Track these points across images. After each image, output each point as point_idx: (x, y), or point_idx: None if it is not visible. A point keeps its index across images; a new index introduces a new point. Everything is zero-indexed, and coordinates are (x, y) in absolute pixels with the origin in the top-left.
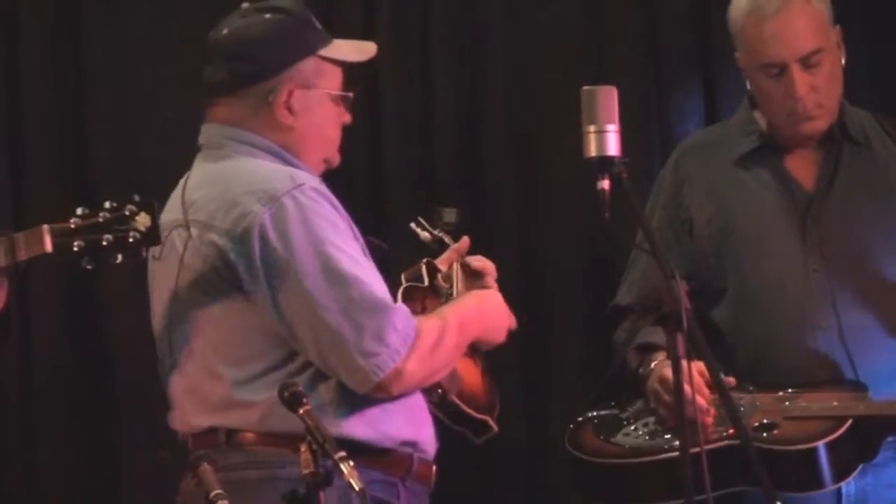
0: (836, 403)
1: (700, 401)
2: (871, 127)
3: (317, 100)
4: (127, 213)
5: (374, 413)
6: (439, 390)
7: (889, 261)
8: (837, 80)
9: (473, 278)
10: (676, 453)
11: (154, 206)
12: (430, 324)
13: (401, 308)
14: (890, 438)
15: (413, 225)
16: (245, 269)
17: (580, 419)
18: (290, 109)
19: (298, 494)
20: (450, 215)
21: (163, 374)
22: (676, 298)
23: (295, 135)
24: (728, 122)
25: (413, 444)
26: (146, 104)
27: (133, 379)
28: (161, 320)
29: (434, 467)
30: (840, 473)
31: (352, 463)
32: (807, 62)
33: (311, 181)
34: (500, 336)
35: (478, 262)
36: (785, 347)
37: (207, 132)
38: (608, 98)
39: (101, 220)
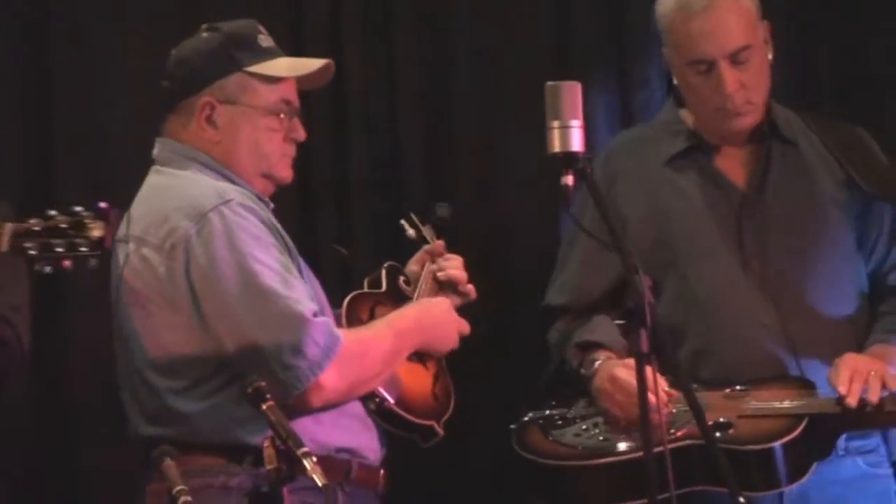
0: (788, 402)
1: (653, 400)
2: (797, 125)
3: (243, 115)
4: (85, 220)
5: (304, 422)
6: (376, 398)
7: (824, 256)
8: (766, 77)
9: (443, 286)
10: (635, 454)
11: (108, 215)
12: (356, 336)
13: (320, 322)
14: (854, 441)
15: (403, 221)
16: (172, 283)
17: (523, 419)
18: (212, 124)
19: (261, 491)
20: (442, 210)
21: (118, 383)
22: (640, 294)
23: (222, 148)
24: (653, 121)
25: (350, 451)
26: (112, 105)
27: (97, 388)
28: (114, 330)
29: (382, 472)
30: (796, 472)
31: (315, 459)
32: (735, 58)
33: (239, 197)
34: (447, 343)
35: (444, 273)
36: (729, 345)
37: (158, 146)
38: (572, 94)
39: (61, 224)
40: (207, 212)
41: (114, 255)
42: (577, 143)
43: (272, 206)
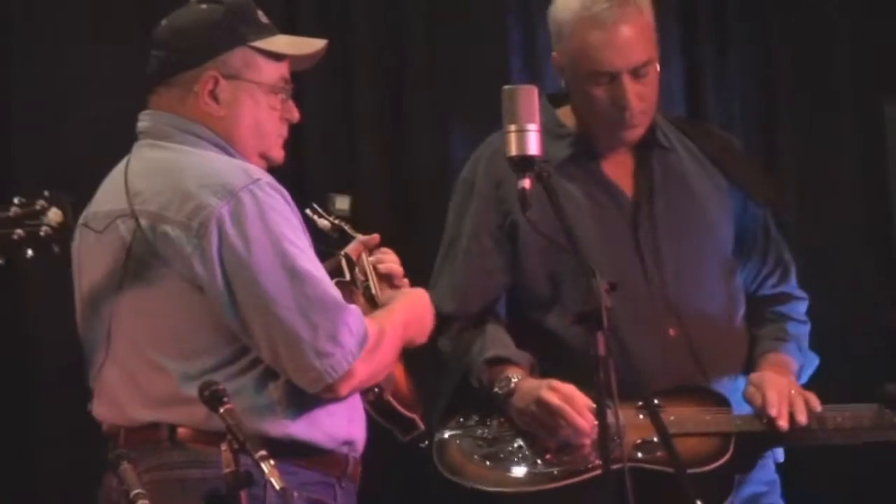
0: (709, 418)
1: (583, 424)
2: (671, 132)
3: (246, 91)
4: (38, 208)
5: (319, 414)
6: (376, 389)
7: (713, 262)
8: (657, 88)
9: (382, 279)
10: (573, 478)
11: (66, 202)
12: (372, 325)
13: (354, 309)
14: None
15: (308, 212)
16: (200, 262)
17: (439, 438)
18: (215, 98)
19: (219, 494)
20: (342, 202)
21: (94, 361)
22: (597, 297)
23: (224, 124)
24: None
25: (350, 443)
26: (74, 103)
27: (54, 374)
28: (98, 309)
29: (359, 465)
30: (725, 490)
31: (272, 462)
32: (637, 72)
33: (266, 176)
34: (424, 337)
35: (384, 265)
36: (635, 358)
37: (146, 119)
38: (529, 97)
39: (11, 214)
40: (238, 191)
41: (108, 229)
42: (533, 146)
43: None
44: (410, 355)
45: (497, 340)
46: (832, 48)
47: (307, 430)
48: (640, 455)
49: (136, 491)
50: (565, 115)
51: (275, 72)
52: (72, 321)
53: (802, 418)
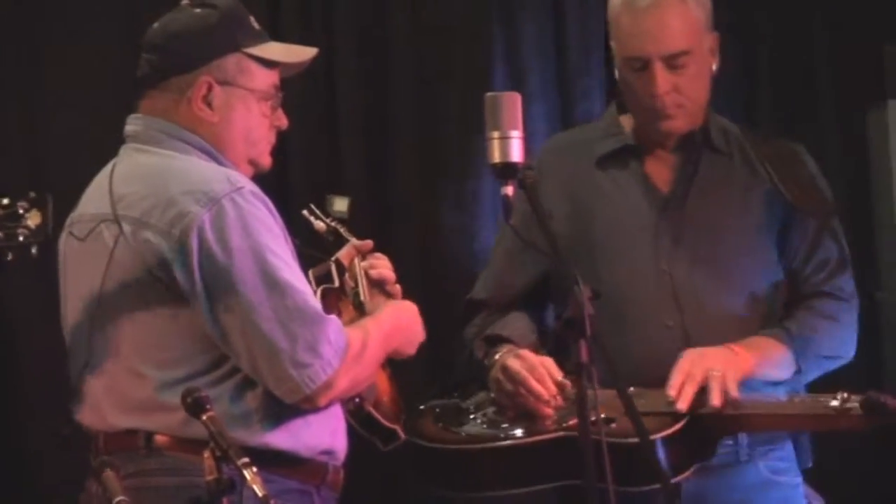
0: (670, 401)
1: (540, 390)
2: (735, 139)
3: (239, 98)
4: (20, 210)
5: (296, 423)
6: (356, 399)
7: (738, 267)
8: (703, 85)
9: (373, 285)
10: (513, 441)
11: (47, 202)
12: (355, 335)
13: (334, 319)
14: (728, 442)
15: (305, 213)
16: (181, 270)
17: (421, 408)
18: (208, 104)
19: (202, 501)
20: (341, 203)
21: (75, 367)
22: (580, 304)
23: (215, 130)
24: (592, 124)
25: (329, 453)
26: (56, 106)
27: (38, 376)
28: (80, 313)
29: (342, 473)
30: (675, 470)
31: (255, 469)
32: (672, 62)
33: (249, 184)
34: (412, 348)
35: (376, 271)
36: (634, 346)
37: (134, 123)
38: (512, 104)
39: None
40: (220, 198)
41: (92, 234)
42: (516, 153)
43: None
44: (399, 363)
45: (510, 323)
46: (814, 53)
47: (284, 439)
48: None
49: (119, 498)
50: (625, 120)
51: (267, 79)
52: (57, 325)
53: (716, 402)
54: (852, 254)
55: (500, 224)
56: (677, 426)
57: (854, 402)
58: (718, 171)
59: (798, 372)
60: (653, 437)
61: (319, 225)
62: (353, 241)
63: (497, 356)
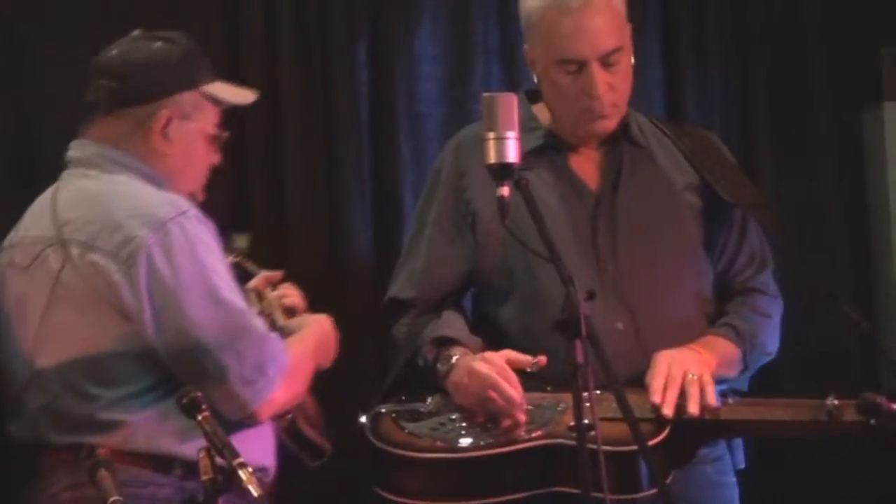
0: (650, 406)
1: (514, 394)
2: (648, 129)
3: (192, 134)
4: None
5: (236, 440)
6: (289, 416)
7: (674, 259)
8: (630, 79)
9: (286, 312)
10: (497, 449)
11: None
12: (294, 353)
13: (276, 338)
14: (701, 449)
15: None
16: (129, 291)
17: (376, 411)
18: (165, 137)
19: (196, 501)
20: (241, 241)
21: (14, 387)
22: (575, 305)
23: (168, 163)
24: None
25: (263, 470)
26: (49, 106)
27: None
28: (23, 335)
29: (272, 489)
30: (655, 478)
31: (251, 469)
32: (606, 60)
33: (192, 209)
34: (330, 362)
35: (288, 300)
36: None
37: (80, 148)
38: (508, 105)
39: None
40: (166, 222)
41: (37, 258)
42: (512, 154)
43: None
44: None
45: (449, 323)
46: (810, 55)
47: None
48: (574, 435)
49: (114, 498)
50: (539, 110)
51: (215, 117)
52: None
53: (694, 409)
54: (847, 256)
55: (419, 218)
56: (662, 435)
57: (846, 406)
58: (642, 166)
59: (744, 370)
60: (626, 447)
61: (229, 259)
62: (263, 272)
63: (454, 359)
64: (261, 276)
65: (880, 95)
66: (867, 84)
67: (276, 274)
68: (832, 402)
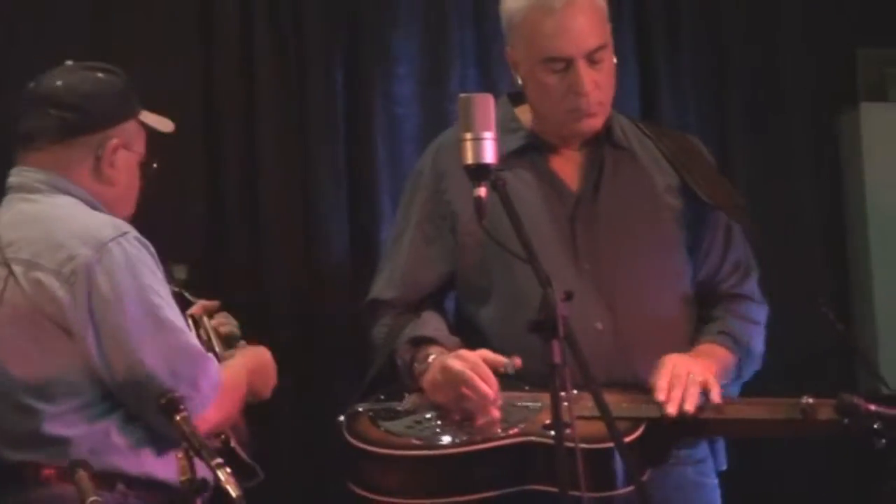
0: (625, 405)
1: (487, 391)
2: (631, 131)
3: (131, 160)
4: None
5: (146, 455)
6: (222, 436)
7: (655, 261)
8: (614, 78)
9: (222, 340)
10: (471, 446)
11: None
12: (228, 374)
13: (212, 358)
14: (683, 450)
15: None
16: (71, 308)
17: (353, 410)
18: (112, 165)
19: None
20: (180, 272)
21: None
22: (552, 306)
23: (114, 191)
24: None
25: (165, 486)
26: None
27: None
28: None
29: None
30: (630, 476)
31: (229, 470)
32: (591, 58)
33: (133, 230)
34: (267, 391)
35: (225, 328)
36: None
37: (21, 175)
38: (485, 106)
39: None
40: (107, 241)
41: None
42: (489, 154)
43: None
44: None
45: (428, 323)
46: (786, 56)
47: (163, 469)
48: (551, 433)
49: (92, 498)
50: (521, 112)
51: (145, 145)
52: None
53: (689, 407)
54: (824, 257)
55: (400, 219)
56: (638, 431)
57: (821, 405)
58: (623, 167)
59: (738, 378)
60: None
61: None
62: (201, 301)
63: (430, 358)
64: (198, 305)
65: (857, 97)
66: (844, 85)
67: (214, 303)
68: (807, 400)
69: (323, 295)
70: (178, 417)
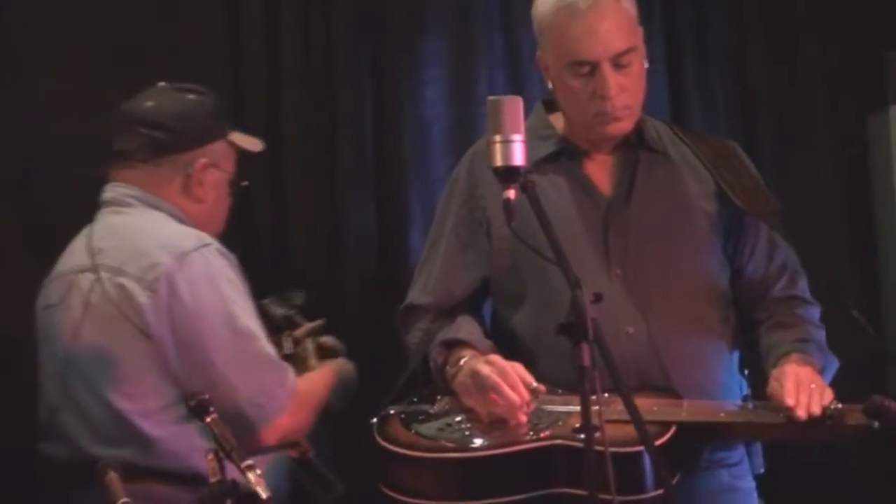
0: (656, 409)
1: (514, 397)
2: (665, 135)
3: (221, 179)
4: None
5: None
6: (301, 448)
7: (688, 265)
8: (643, 82)
9: (326, 355)
10: (499, 450)
11: None
12: (304, 385)
13: (287, 366)
14: (718, 452)
15: (266, 302)
16: (152, 312)
17: (385, 413)
18: (201, 183)
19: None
20: (298, 297)
21: (47, 407)
22: (581, 308)
23: (201, 208)
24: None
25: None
26: (43, 115)
27: None
28: (58, 357)
29: None
30: (660, 480)
31: (259, 472)
32: (618, 62)
33: (215, 242)
34: (343, 405)
35: (330, 341)
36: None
37: (114, 191)
38: (513, 108)
39: None
40: (189, 252)
41: (71, 285)
42: (518, 157)
43: None
44: None
45: (462, 327)
46: (815, 59)
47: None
48: (580, 436)
49: (123, 500)
50: (555, 119)
51: (233, 164)
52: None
53: (816, 409)
54: (853, 260)
55: (436, 226)
56: (668, 434)
57: (849, 410)
58: (657, 172)
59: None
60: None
61: (280, 312)
62: (310, 324)
63: (462, 361)
64: (304, 327)
65: (885, 100)
66: (873, 88)
67: (318, 324)
68: (835, 405)
69: (351, 299)
70: (208, 420)
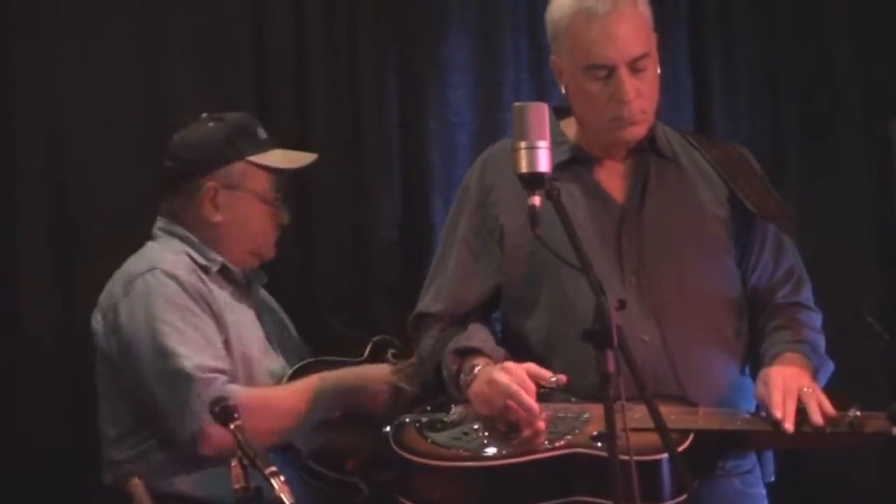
0: (673, 417)
1: (533, 404)
2: (676, 142)
3: (242, 199)
4: None
5: (204, 475)
6: (298, 454)
7: (702, 271)
8: (657, 87)
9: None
10: (516, 458)
11: None
12: (257, 392)
13: (208, 378)
14: (731, 461)
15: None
16: (105, 341)
17: (399, 422)
18: (215, 206)
19: None
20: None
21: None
22: (606, 315)
23: (218, 229)
24: None
25: None
26: (75, 112)
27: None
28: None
29: None
30: (679, 488)
31: (283, 478)
32: (634, 66)
33: (168, 266)
34: (375, 408)
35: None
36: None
37: (155, 224)
38: (539, 114)
39: None
40: (135, 278)
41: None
42: (543, 163)
43: (241, 274)
44: None
45: (474, 335)
46: (839, 62)
47: (190, 487)
48: (599, 444)
49: None
50: (567, 125)
51: (269, 183)
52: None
53: (818, 419)
54: (876, 264)
55: (447, 234)
56: (686, 443)
57: (869, 418)
58: (669, 178)
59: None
60: (664, 454)
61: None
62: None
63: (476, 369)
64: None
65: None
66: None
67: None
68: (854, 413)
69: (375, 301)
70: (231, 426)
